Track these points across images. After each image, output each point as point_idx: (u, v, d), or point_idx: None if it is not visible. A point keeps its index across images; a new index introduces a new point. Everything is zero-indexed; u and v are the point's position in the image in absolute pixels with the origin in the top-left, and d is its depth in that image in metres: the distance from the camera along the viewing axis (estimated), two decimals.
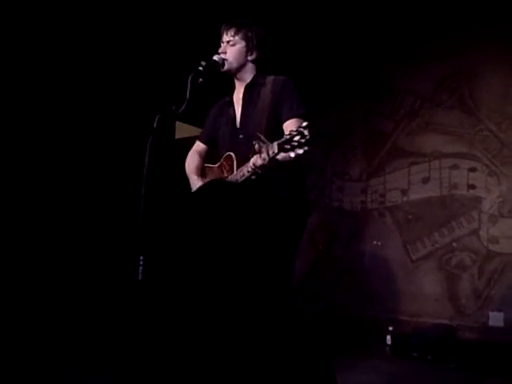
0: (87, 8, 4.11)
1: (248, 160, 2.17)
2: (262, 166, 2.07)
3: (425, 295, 4.60)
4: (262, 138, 2.02)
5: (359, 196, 5.17)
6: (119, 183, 4.42)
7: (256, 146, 2.04)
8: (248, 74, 2.52)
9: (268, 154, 1.99)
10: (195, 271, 2.26)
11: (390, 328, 4.16)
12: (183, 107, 2.31)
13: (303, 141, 1.87)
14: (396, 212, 4.92)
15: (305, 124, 1.90)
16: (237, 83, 2.58)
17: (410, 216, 4.82)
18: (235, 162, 2.33)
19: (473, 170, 4.54)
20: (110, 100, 4.47)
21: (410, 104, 4.97)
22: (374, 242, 4.98)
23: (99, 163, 4.39)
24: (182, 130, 5.17)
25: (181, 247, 2.27)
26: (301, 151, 1.87)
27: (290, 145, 1.89)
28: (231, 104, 2.57)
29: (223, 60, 2.45)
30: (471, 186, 4.53)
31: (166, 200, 4.17)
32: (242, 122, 2.47)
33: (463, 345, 3.87)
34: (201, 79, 2.37)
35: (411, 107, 4.96)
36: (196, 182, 2.58)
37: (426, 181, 4.77)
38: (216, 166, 2.56)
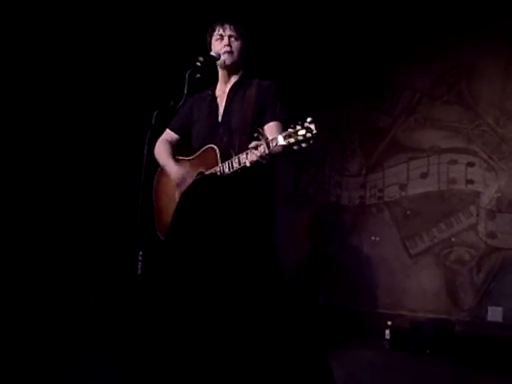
0: (86, 4, 4.11)
1: (228, 154, 2.24)
2: (264, 157, 2.10)
3: (423, 290, 4.61)
4: (261, 130, 2.07)
5: (358, 191, 5.16)
6: (117, 178, 4.42)
7: (253, 144, 2.08)
8: (237, 71, 2.56)
9: (269, 147, 2.02)
10: (189, 266, 2.26)
11: (389, 323, 4.16)
12: (181, 103, 2.32)
13: (309, 135, 1.92)
14: (394, 207, 4.92)
15: (310, 119, 1.94)
16: (224, 79, 2.58)
17: (408, 211, 4.83)
18: (219, 155, 2.33)
19: (471, 164, 4.55)
20: (108, 96, 4.47)
21: (408, 99, 4.96)
22: (373, 238, 4.99)
23: (98, 159, 4.39)
24: None
25: (176, 243, 2.27)
26: (305, 145, 1.93)
27: (296, 139, 1.94)
28: (214, 99, 2.58)
29: (227, 53, 2.47)
30: (469, 181, 4.53)
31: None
32: (224, 116, 2.49)
33: (462, 339, 3.87)
34: (198, 75, 2.38)
35: (409, 102, 4.95)
36: (171, 166, 2.56)
37: (424, 176, 4.77)
38: (192, 157, 2.54)
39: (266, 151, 2.05)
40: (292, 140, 1.95)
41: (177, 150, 2.68)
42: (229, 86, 2.55)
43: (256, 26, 2.71)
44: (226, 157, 2.29)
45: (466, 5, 4.48)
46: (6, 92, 3.83)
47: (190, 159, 2.55)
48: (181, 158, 2.61)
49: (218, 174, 2.31)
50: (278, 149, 2.08)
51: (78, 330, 3.72)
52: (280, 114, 2.42)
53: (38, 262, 3.94)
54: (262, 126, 2.35)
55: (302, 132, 1.92)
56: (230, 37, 2.49)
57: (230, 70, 2.54)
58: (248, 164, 2.15)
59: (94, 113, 4.40)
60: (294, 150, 1.97)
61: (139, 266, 2.07)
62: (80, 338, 3.61)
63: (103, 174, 4.42)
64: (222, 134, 2.44)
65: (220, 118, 2.50)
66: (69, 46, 4.19)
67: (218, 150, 2.34)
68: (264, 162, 2.11)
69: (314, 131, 1.92)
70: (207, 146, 2.42)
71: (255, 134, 2.08)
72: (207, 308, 2.15)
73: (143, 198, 2.18)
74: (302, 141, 1.94)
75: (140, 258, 2.09)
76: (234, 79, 2.56)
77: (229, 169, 2.26)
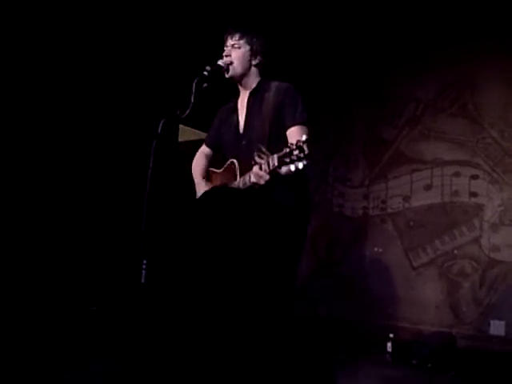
0: (94, 13, 4.13)
1: (251, 167, 2.17)
2: (263, 177, 2.08)
3: (426, 302, 4.58)
4: (263, 149, 2.05)
5: (361, 202, 5.16)
6: (123, 186, 4.42)
7: (257, 159, 2.07)
8: (252, 80, 2.53)
9: (269, 166, 2.01)
10: (198, 276, 2.26)
11: (391, 335, 4.14)
12: (187, 112, 2.33)
13: (302, 155, 1.88)
14: (397, 218, 4.91)
15: (304, 138, 1.90)
16: (241, 89, 2.58)
17: (411, 223, 4.82)
18: (238, 169, 2.34)
19: (475, 177, 4.54)
20: (115, 104, 4.47)
21: (412, 111, 4.97)
22: (375, 249, 4.98)
23: (104, 167, 4.39)
24: (185, 132, 5.18)
25: (184, 252, 2.28)
26: (300, 165, 1.89)
27: (290, 158, 1.90)
28: (235, 110, 2.58)
29: (227, 65, 2.46)
30: (473, 194, 4.53)
31: (170, 203, 4.17)
32: (245, 128, 2.49)
33: (464, 353, 3.85)
34: (205, 84, 2.39)
35: (413, 114, 4.96)
36: (201, 186, 2.60)
37: (427, 188, 4.77)
38: (220, 171, 2.57)
39: (267, 169, 2.03)
40: (287, 160, 1.91)
41: (216, 160, 2.73)
42: (246, 95, 2.55)
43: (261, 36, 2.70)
44: (246, 169, 2.27)
45: (471, 18, 4.50)
46: (15, 101, 3.85)
47: (218, 173, 2.59)
48: (214, 170, 2.68)
49: (236, 187, 2.32)
50: (282, 169, 2.02)
51: (78, 337, 3.71)
52: (300, 116, 2.37)
53: (40, 268, 3.93)
54: (284, 131, 2.34)
55: (296, 152, 1.89)
56: (232, 46, 2.49)
57: (237, 81, 2.54)
58: (256, 186, 2.13)
59: (102, 121, 4.40)
60: (292, 171, 1.92)
61: (143, 275, 2.07)
62: (83, 341, 3.59)
63: (109, 182, 4.42)
64: (245, 145, 2.44)
65: (241, 130, 2.50)
66: (77, 54, 4.21)
67: (237, 165, 2.35)
68: (262, 182, 2.08)
69: (306, 151, 1.88)
70: (230, 161, 2.44)
71: (255, 154, 2.07)
72: (210, 317, 2.15)
73: (148, 207, 2.17)
74: (296, 160, 1.90)
75: (144, 267, 2.09)
76: (251, 87, 2.54)
77: (243, 185, 2.27)
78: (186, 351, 2.09)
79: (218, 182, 2.55)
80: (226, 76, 2.47)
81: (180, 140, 5.20)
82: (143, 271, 2.05)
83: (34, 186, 3.97)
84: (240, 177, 2.31)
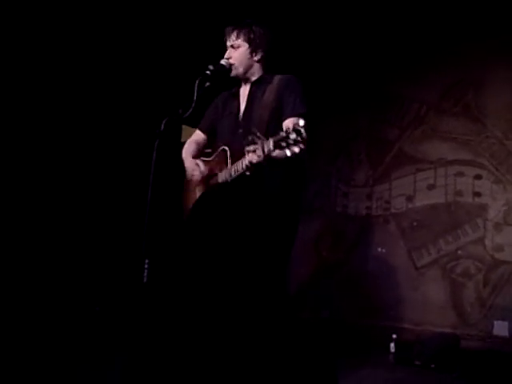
0: (97, 13, 4.13)
1: (243, 155, 2.15)
2: (256, 163, 2.05)
3: (429, 303, 4.57)
4: (258, 133, 1.99)
5: (364, 202, 5.15)
6: (125, 185, 4.43)
7: (250, 141, 2.01)
8: (255, 75, 2.53)
9: (263, 151, 1.96)
10: (195, 274, 2.26)
11: (394, 336, 4.12)
12: (190, 111, 2.32)
13: (300, 139, 1.84)
14: (401, 219, 4.90)
15: (302, 123, 1.87)
16: (244, 82, 2.58)
17: (414, 223, 4.80)
18: (229, 157, 2.32)
19: (478, 177, 4.53)
20: (117, 103, 4.48)
21: (415, 111, 4.97)
22: (379, 249, 4.96)
23: (107, 166, 4.40)
24: (188, 132, 5.17)
25: (181, 252, 2.28)
26: (297, 149, 1.84)
27: (286, 142, 1.85)
28: (237, 97, 2.57)
29: (230, 65, 2.46)
30: (477, 194, 4.51)
31: (172, 203, 4.17)
32: (244, 116, 2.48)
33: (467, 354, 3.83)
34: (208, 83, 2.39)
35: (417, 114, 4.95)
36: (188, 164, 2.57)
37: (431, 188, 4.75)
38: (210, 159, 2.55)
39: (261, 154, 1.98)
40: (283, 144, 1.86)
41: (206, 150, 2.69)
42: (248, 85, 2.54)
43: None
44: (238, 157, 2.24)
45: (474, 18, 4.48)
46: (22, 103, 3.86)
47: (208, 160, 2.55)
48: (204, 159, 2.62)
49: (225, 178, 2.30)
50: (276, 153, 1.96)
51: (81, 338, 3.71)
52: (299, 108, 2.34)
53: (42, 269, 3.94)
54: (282, 121, 2.32)
55: (293, 136, 1.84)
56: (231, 47, 2.49)
57: (241, 78, 2.54)
58: (245, 167, 2.11)
59: (105, 120, 4.41)
60: (288, 155, 1.87)
61: (145, 274, 2.06)
62: (84, 341, 3.59)
63: (111, 181, 4.43)
64: (241, 133, 2.41)
65: (240, 118, 2.48)
66: (81, 53, 4.22)
67: (228, 152, 2.34)
68: (253, 168, 2.07)
69: (304, 134, 1.83)
70: (221, 148, 2.42)
71: (250, 137, 2.02)
72: (210, 315, 2.15)
73: (150, 206, 2.17)
74: (293, 144, 1.85)
75: (146, 266, 2.08)
76: (254, 78, 2.53)
77: (234, 172, 2.24)
78: (188, 351, 2.08)
79: (207, 169, 2.50)
80: (230, 75, 2.48)
81: (183, 139, 5.20)
82: (145, 271, 2.05)
83: (37, 186, 3.97)
84: (232, 164, 2.28)
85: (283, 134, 1.87)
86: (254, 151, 2.01)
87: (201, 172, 2.44)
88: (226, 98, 2.64)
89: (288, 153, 1.85)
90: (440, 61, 4.80)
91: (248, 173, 2.12)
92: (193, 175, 2.49)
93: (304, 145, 1.83)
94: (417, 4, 4.49)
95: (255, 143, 1.99)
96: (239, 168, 2.18)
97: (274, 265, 2.29)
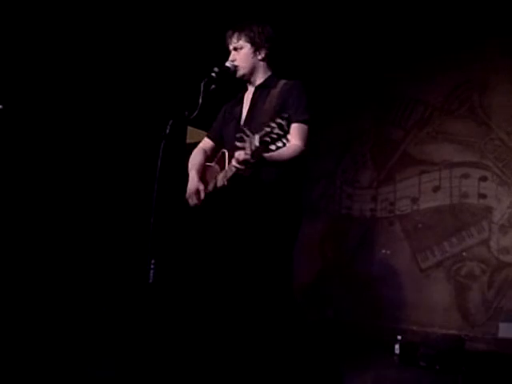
0: (103, 16, 4.16)
1: None
2: (245, 161, 2.03)
3: (434, 305, 4.56)
4: (247, 131, 1.99)
5: (369, 204, 5.15)
6: (131, 187, 4.45)
7: (239, 139, 2.01)
8: (261, 75, 2.54)
9: (251, 148, 1.95)
10: (200, 276, 2.28)
11: (399, 337, 4.13)
12: (196, 113, 2.34)
13: (282, 133, 1.84)
14: (406, 220, 4.89)
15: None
16: (249, 85, 2.60)
17: (419, 225, 4.80)
18: (227, 160, 2.33)
19: (483, 179, 4.52)
20: (123, 105, 4.50)
21: (420, 112, 4.95)
22: (383, 251, 4.96)
23: (113, 167, 4.42)
24: (193, 134, 5.19)
25: (186, 254, 2.30)
26: (280, 144, 1.85)
27: (270, 137, 1.86)
28: (241, 103, 2.59)
29: (235, 66, 2.48)
30: (482, 196, 4.50)
31: (177, 204, 4.19)
32: (246, 120, 2.48)
33: (472, 356, 3.82)
34: (213, 85, 2.41)
35: (421, 116, 4.94)
36: (192, 180, 2.57)
37: (436, 190, 4.75)
38: (212, 164, 2.57)
39: (249, 151, 1.97)
40: (267, 139, 1.87)
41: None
42: (253, 89, 2.55)
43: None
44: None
45: (480, 21, 4.49)
46: (27, 105, 3.90)
47: (211, 165, 2.57)
48: (208, 164, 2.64)
49: (222, 182, 2.31)
50: (261, 149, 1.96)
51: (88, 335, 3.73)
52: (301, 114, 2.34)
53: (49, 270, 3.96)
54: None
55: (276, 130, 1.85)
56: (234, 49, 2.50)
57: (246, 79, 2.56)
58: (235, 165, 2.09)
59: (111, 122, 4.43)
60: (273, 149, 1.89)
61: (151, 275, 2.08)
62: (89, 341, 3.61)
63: (117, 182, 4.45)
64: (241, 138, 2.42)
65: (242, 122, 2.49)
66: (87, 56, 4.24)
67: (226, 154, 2.35)
68: (243, 167, 2.06)
69: (286, 128, 1.84)
70: (221, 152, 2.44)
71: (238, 135, 2.02)
72: (214, 315, 2.16)
73: (156, 207, 2.19)
74: (276, 139, 1.86)
75: (152, 267, 2.10)
76: (258, 81, 2.54)
77: (229, 172, 2.24)
78: (193, 351, 2.10)
79: (210, 175, 2.52)
80: (236, 76, 2.49)
81: (188, 141, 5.22)
82: (151, 271, 2.06)
83: (44, 187, 4.00)
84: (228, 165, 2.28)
85: (267, 129, 1.87)
86: (243, 148, 2.01)
87: (198, 200, 2.45)
88: (231, 104, 2.66)
89: (273, 147, 1.87)
90: (445, 62, 4.79)
91: (244, 173, 2.11)
92: (190, 198, 2.50)
93: (286, 139, 1.85)
94: (423, 6, 4.50)
95: (244, 141, 1.99)
96: (232, 168, 2.17)
97: (277, 265, 2.29)
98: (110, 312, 4.04)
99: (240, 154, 2.03)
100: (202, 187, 2.47)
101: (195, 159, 2.68)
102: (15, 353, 3.16)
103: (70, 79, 4.18)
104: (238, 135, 2.03)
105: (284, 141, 1.86)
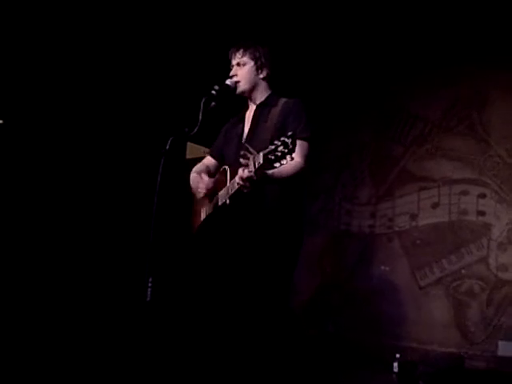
0: (103, 28, 4.19)
1: None
2: (248, 179, 2.04)
3: (433, 322, 4.53)
4: (250, 149, 2.01)
5: (368, 220, 5.14)
6: (131, 203, 4.44)
7: (242, 160, 2.03)
8: (261, 93, 2.56)
9: (254, 165, 1.97)
10: (199, 292, 2.27)
11: (397, 355, 4.10)
12: (196, 129, 2.35)
13: (286, 151, 1.86)
14: (404, 237, 4.88)
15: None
16: (250, 103, 2.61)
17: (418, 241, 4.79)
18: (229, 176, 2.33)
19: (482, 196, 4.52)
20: (124, 121, 4.52)
21: (419, 129, 4.97)
22: (382, 267, 4.94)
23: (112, 183, 4.42)
24: (193, 149, 5.20)
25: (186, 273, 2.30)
26: (284, 162, 1.87)
27: (274, 155, 1.87)
28: (242, 121, 2.61)
29: (235, 83, 2.49)
30: (481, 213, 4.50)
31: (177, 220, 4.18)
32: (247, 138, 2.50)
33: (472, 374, 3.80)
34: (213, 103, 2.42)
35: (421, 132, 4.95)
36: (194, 178, 2.61)
37: (435, 206, 4.75)
38: (213, 179, 2.57)
39: (252, 169, 1.99)
40: (272, 157, 1.88)
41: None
42: (254, 108, 2.57)
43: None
44: (236, 174, 2.21)
45: (480, 36, 4.52)
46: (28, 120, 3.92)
47: (212, 180, 2.57)
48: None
49: (224, 199, 2.31)
50: (264, 167, 1.98)
51: (85, 354, 3.69)
52: (302, 132, 2.34)
53: (47, 287, 3.94)
54: None
55: (281, 148, 1.86)
56: (236, 65, 2.52)
57: (247, 96, 2.57)
58: (238, 183, 2.10)
59: (111, 138, 4.44)
60: (276, 167, 1.90)
61: (148, 293, 2.07)
62: (86, 359, 3.58)
63: (116, 199, 4.45)
64: (244, 155, 2.43)
65: (244, 140, 2.49)
66: (87, 71, 4.26)
67: (228, 172, 2.35)
68: (248, 184, 2.06)
69: (290, 146, 1.86)
70: (222, 168, 2.45)
71: (242, 152, 2.03)
72: (213, 332, 2.15)
73: (155, 224, 2.18)
74: (280, 157, 1.87)
75: (150, 285, 2.09)
76: (259, 100, 2.56)
77: (231, 190, 2.25)
78: (190, 369, 2.08)
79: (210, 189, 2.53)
80: (236, 93, 2.51)
81: (188, 157, 5.23)
82: (149, 289, 2.05)
83: (44, 202, 4.00)
84: (230, 182, 2.29)
85: (272, 146, 1.89)
86: (247, 165, 2.02)
87: (205, 184, 2.46)
88: (232, 123, 2.68)
89: (277, 165, 1.88)
90: (445, 79, 4.81)
91: (245, 190, 2.11)
92: (197, 187, 2.51)
93: (290, 156, 1.86)
94: (423, 21, 4.53)
95: (247, 158, 2.00)
96: (235, 185, 2.17)
97: (277, 283, 2.29)
98: (107, 330, 4.01)
99: (244, 171, 2.04)
100: (204, 174, 2.52)
101: (197, 170, 2.72)
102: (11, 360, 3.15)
103: (72, 92, 4.20)
104: (241, 152, 2.04)
105: (288, 158, 1.87)
